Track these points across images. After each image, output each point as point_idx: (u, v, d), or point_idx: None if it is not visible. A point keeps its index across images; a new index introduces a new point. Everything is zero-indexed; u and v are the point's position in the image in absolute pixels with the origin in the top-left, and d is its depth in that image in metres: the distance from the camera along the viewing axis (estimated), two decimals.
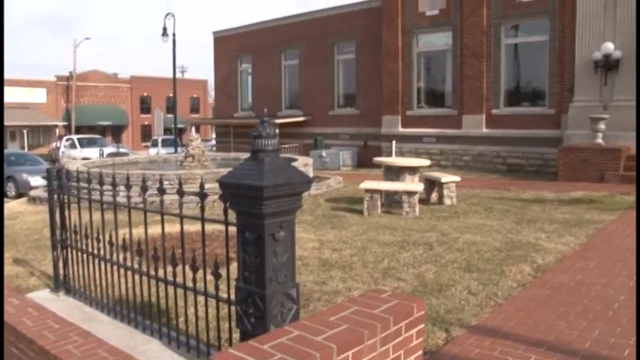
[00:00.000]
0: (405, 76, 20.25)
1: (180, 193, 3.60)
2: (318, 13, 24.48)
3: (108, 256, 4.39)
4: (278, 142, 2.96)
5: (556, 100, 16.94)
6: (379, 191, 10.12)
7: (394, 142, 19.52)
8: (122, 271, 4.26)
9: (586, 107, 15.48)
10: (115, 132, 55.72)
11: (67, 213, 4.90)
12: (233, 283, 3.22)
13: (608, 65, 15.19)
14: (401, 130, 20.28)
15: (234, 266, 3.34)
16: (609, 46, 15.02)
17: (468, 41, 18.53)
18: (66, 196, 4.88)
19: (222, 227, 3.41)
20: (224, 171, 9.42)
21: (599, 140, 14.55)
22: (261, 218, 2.83)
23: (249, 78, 28.52)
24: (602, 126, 14.53)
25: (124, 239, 4.17)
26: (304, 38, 24.68)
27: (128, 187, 4.06)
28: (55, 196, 4.98)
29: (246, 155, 3.06)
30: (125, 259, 4.21)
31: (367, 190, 9.98)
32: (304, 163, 13.52)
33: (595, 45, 15.43)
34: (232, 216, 3.11)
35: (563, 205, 10.60)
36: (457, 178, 11.26)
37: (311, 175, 13.76)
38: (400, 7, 20.14)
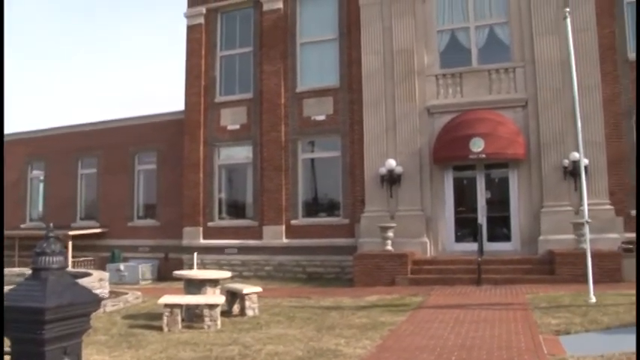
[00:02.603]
0: (207, 187, 20.39)
1: None
2: (119, 122, 23.92)
3: None
4: (64, 260, 2.76)
5: (350, 211, 18.15)
6: (180, 305, 9.77)
7: (195, 254, 19.20)
8: None
9: (376, 217, 16.82)
10: None
11: None
12: None
13: (392, 179, 16.82)
14: (202, 241, 20.09)
15: None
16: (392, 163, 16.71)
17: (267, 155, 19.36)
18: None
19: None
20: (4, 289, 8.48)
21: (389, 247, 15.76)
22: (41, 345, 2.56)
23: (41, 186, 26.60)
24: (390, 234, 15.81)
25: None
26: (103, 147, 23.83)
27: None
28: None
29: None
30: None
31: (167, 305, 9.58)
32: (99, 278, 12.68)
33: (380, 161, 17.06)
34: (8, 343, 2.78)
35: (360, 309, 11.12)
36: (259, 289, 11.33)
37: (107, 290, 12.91)
38: (203, 120, 20.58)
